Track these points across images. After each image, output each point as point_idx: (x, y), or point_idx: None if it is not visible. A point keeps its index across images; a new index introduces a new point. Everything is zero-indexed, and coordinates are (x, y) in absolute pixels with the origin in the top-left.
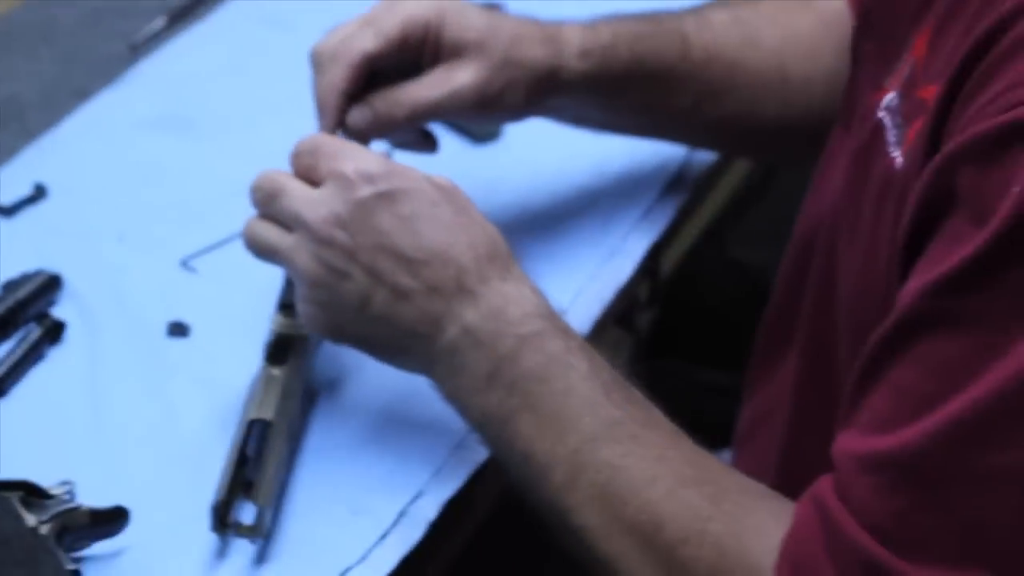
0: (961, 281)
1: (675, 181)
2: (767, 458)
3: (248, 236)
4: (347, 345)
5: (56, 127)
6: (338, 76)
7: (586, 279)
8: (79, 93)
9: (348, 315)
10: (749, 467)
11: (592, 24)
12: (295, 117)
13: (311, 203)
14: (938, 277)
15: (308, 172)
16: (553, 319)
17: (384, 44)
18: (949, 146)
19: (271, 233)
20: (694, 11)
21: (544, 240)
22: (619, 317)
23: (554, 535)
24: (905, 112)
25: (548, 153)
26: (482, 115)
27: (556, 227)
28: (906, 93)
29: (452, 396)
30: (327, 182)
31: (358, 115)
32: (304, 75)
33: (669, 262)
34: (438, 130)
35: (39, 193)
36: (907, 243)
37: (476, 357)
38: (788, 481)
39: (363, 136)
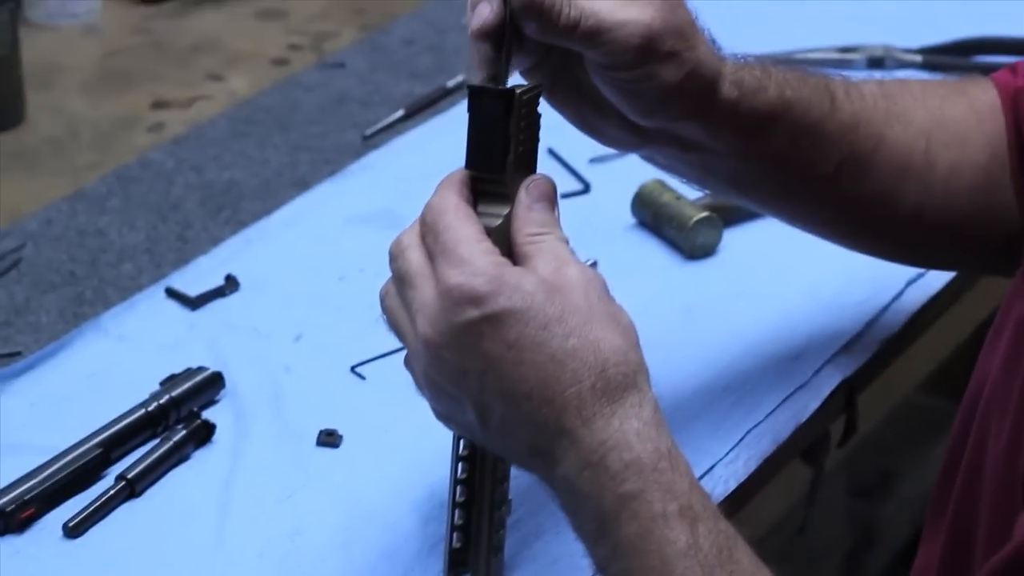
0: None
1: (884, 314)
2: None
3: (383, 306)
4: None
5: (266, 218)
6: None
7: (764, 413)
8: (299, 184)
9: (472, 427)
10: None
11: (741, 56)
12: None
13: (426, 313)
14: None
15: (428, 247)
16: (657, 473)
17: None
18: None
19: (402, 322)
20: (840, 76)
21: (734, 366)
22: (806, 452)
23: None
24: None
25: (760, 274)
26: (631, 76)
27: (747, 352)
28: None
29: (575, 529)
30: (439, 293)
31: None
32: None
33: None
34: (652, 246)
35: (230, 285)
36: None
37: (585, 506)
38: None
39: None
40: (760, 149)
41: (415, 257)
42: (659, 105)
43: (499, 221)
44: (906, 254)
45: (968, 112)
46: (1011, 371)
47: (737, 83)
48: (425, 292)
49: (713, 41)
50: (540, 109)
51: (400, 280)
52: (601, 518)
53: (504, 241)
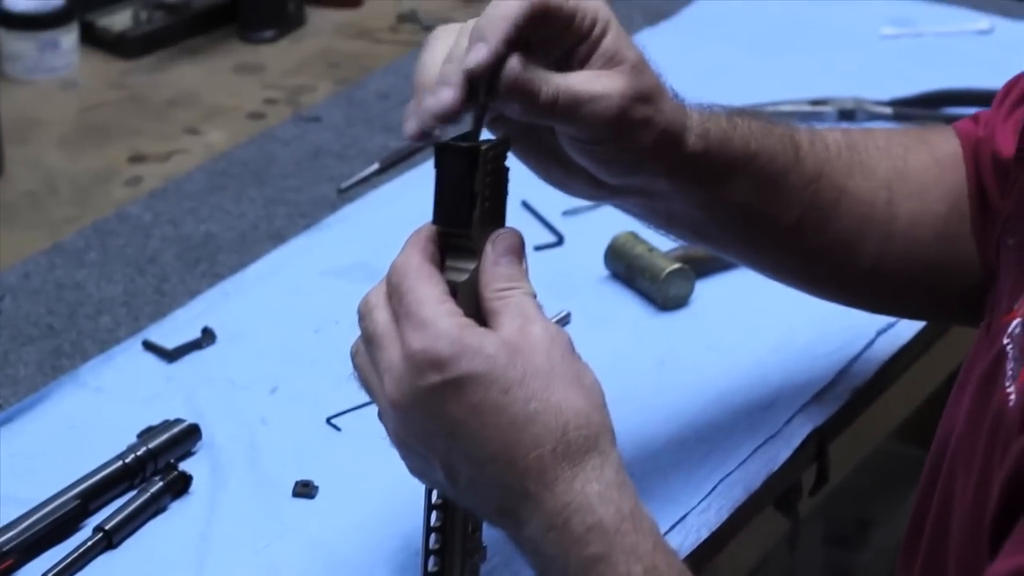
0: None
1: (855, 364)
2: None
3: (354, 363)
4: None
5: (242, 271)
6: (514, 10)
7: (736, 463)
8: (275, 237)
9: (442, 484)
10: None
11: (707, 106)
12: None
13: (392, 375)
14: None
15: (394, 307)
16: (620, 535)
17: (564, 6)
18: None
19: (371, 380)
20: (806, 126)
21: (706, 416)
22: (779, 501)
23: None
24: None
25: (732, 325)
26: (607, 144)
27: (719, 403)
28: None
29: None
30: (403, 356)
31: (512, 63)
32: None
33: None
34: (625, 297)
35: (207, 338)
36: (1000, 506)
37: (552, 567)
38: None
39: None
40: (723, 199)
41: (381, 318)
42: (630, 168)
43: (466, 276)
44: (870, 302)
45: (930, 163)
46: (975, 425)
47: (702, 135)
48: (391, 354)
49: (675, 95)
50: (510, 162)
51: (368, 340)
52: None
53: (472, 296)
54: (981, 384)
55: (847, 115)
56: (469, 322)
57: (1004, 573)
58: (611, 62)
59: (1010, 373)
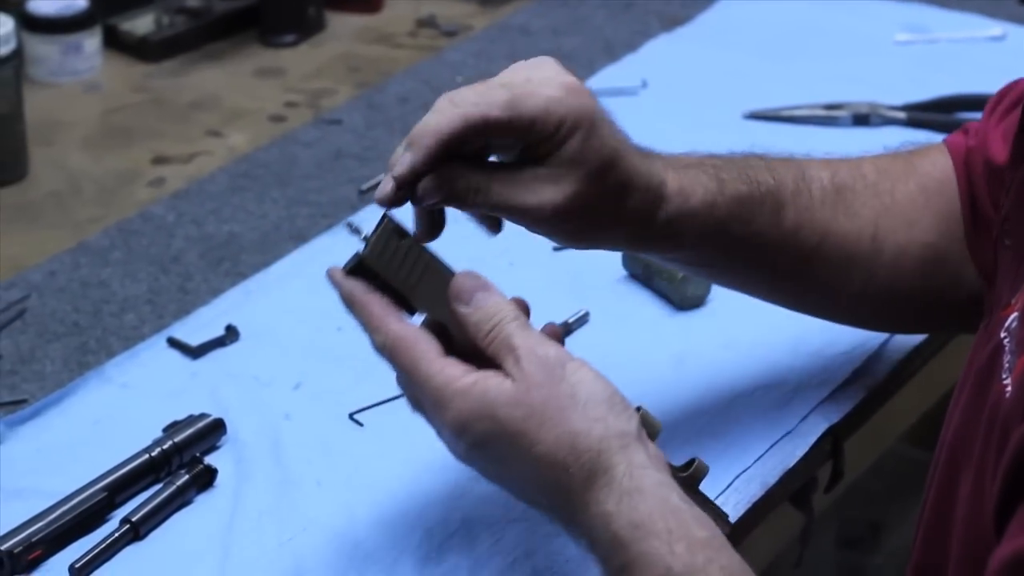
0: None
1: (869, 363)
2: None
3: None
4: None
5: (265, 270)
6: (446, 124)
7: (753, 459)
8: (297, 237)
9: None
10: None
11: (696, 159)
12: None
13: (441, 438)
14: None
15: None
16: (636, 543)
17: (510, 119)
18: None
19: (425, 418)
20: (797, 168)
21: (723, 414)
22: (794, 496)
23: None
24: (1021, 338)
25: (749, 324)
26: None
27: (736, 401)
28: None
29: None
30: (438, 431)
31: (429, 186)
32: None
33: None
34: (643, 297)
35: (230, 335)
36: (1003, 492)
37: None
38: None
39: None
40: (691, 260)
41: (408, 391)
42: (585, 242)
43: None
44: (860, 324)
45: (917, 193)
46: (973, 418)
47: (674, 214)
48: (432, 423)
49: (647, 155)
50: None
51: (415, 411)
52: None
53: (465, 343)
54: (979, 378)
55: (861, 119)
56: (471, 381)
57: (1008, 556)
58: (571, 165)
59: (1007, 366)
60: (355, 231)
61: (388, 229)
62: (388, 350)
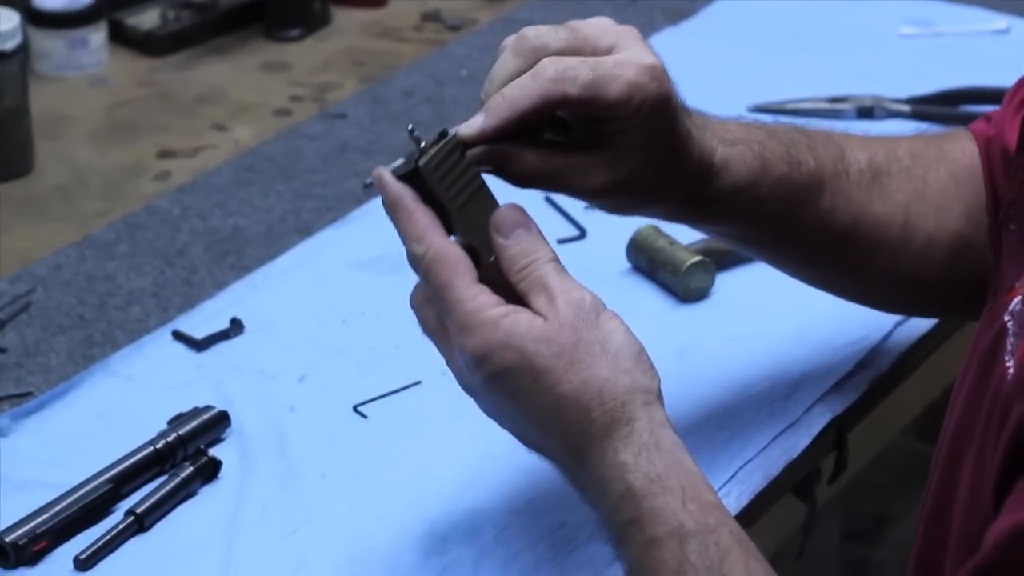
0: None
1: (873, 354)
2: None
3: (416, 315)
4: None
5: (270, 263)
6: (525, 99)
7: (756, 450)
8: (302, 230)
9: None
10: None
11: (741, 134)
12: None
13: (455, 369)
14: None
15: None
16: (649, 498)
17: (591, 99)
18: None
19: (438, 342)
20: (837, 149)
21: (726, 405)
22: (797, 487)
23: None
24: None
25: (753, 316)
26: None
27: (740, 392)
28: None
29: None
30: (454, 359)
31: (481, 156)
32: None
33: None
34: (647, 290)
35: (235, 328)
36: (1003, 469)
37: (602, 528)
38: None
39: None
40: (727, 233)
41: (429, 317)
42: (635, 213)
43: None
44: (890, 307)
45: (948, 180)
46: (976, 401)
47: (727, 177)
48: (447, 352)
49: (702, 126)
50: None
51: (427, 332)
52: (613, 541)
53: (498, 278)
54: (982, 362)
55: (865, 112)
56: (501, 312)
57: (1005, 530)
58: (633, 148)
59: (1009, 348)
60: (415, 139)
61: (452, 143)
62: (426, 263)
